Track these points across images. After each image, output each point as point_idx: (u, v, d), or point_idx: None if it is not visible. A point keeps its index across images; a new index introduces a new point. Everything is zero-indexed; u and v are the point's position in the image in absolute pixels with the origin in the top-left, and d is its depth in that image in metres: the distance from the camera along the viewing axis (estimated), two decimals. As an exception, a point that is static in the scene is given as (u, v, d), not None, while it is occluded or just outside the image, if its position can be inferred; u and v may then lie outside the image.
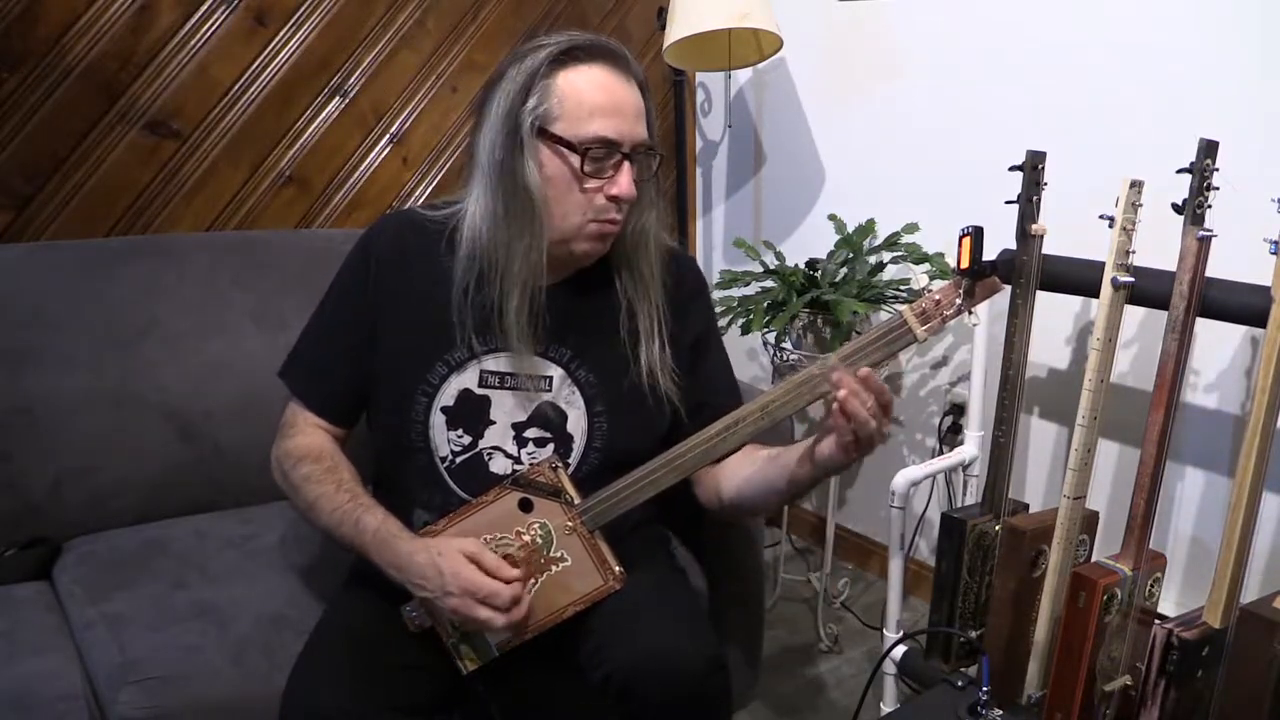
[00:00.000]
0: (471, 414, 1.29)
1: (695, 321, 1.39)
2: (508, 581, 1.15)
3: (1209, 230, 1.37)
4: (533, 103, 1.18)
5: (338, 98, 2.11)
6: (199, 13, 1.93)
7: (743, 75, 2.52)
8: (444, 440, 1.29)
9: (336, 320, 1.35)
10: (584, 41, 1.20)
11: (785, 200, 2.50)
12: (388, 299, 1.30)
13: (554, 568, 1.21)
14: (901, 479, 1.79)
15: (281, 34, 2.03)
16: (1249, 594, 1.43)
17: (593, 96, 1.18)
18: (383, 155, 2.19)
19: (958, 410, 2.14)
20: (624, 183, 1.20)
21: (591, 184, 1.20)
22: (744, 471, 1.30)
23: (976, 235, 1.14)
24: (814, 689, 2.02)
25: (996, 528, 1.65)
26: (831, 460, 1.15)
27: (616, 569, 1.20)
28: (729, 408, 1.20)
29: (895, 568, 1.83)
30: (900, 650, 1.78)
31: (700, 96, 2.65)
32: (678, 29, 2.11)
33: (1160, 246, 1.45)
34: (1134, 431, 1.66)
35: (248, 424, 1.65)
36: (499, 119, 1.20)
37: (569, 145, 1.19)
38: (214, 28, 1.95)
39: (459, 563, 1.14)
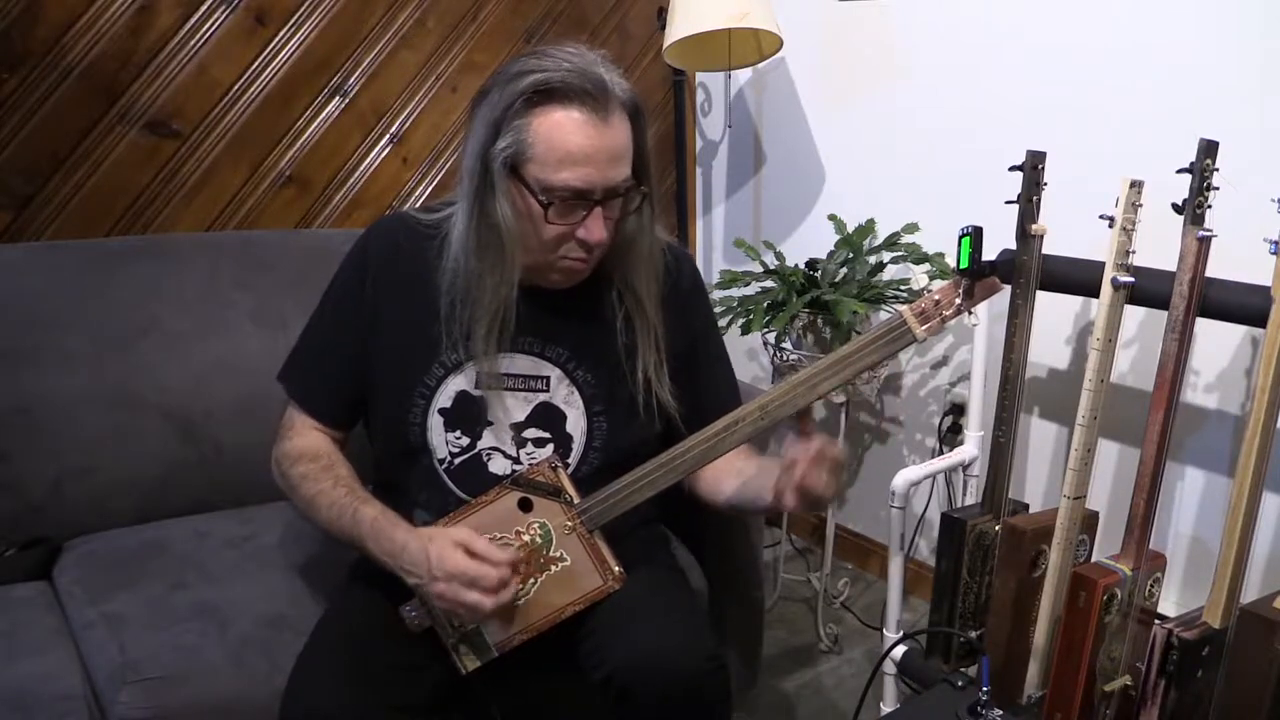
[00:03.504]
0: (469, 415, 1.29)
1: (693, 320, 1.39)
2: (497, 565, 1.15)
3: (1209, 230, 1.37)
4: (504, 143, 1.16)
5: (338, 98, 2.11)
6: (199, 13, 1.93)
7: (743, 75, 2.52)
8: (442, 442, 1.29)
9: (333, 324, 1.35)
10: (560, 81, 1.15)
11: (785, 200, 2.50)
12: (384, 301, 1.31)
13: (553, 567, 1.21)
14: (901, 479, 1.79)
15: (281, 34, 2.02)
16: (1249, 594, 1.43)
17: (564, 143, 1.15)
18: (383, 155, 2.19)
19: (958, 410, 2.14)
20: (593, 228, 1.19)
21: (560, 227, 1.19)
22: (745, 473, 1.31)
23: (976, 235, 1.14)
24: (814, 689, 2.01)
25: (996, 528, 1.65)
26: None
27: (616, 569, 1.20)
28: (728, 407, 1.20)
29: (895, 568, 1.83)
30: (900, 650, 1.78)
31: (700, 96, 2.65)
32: (678, 29, 2.11)
33: (1160, 246, 1.45)
34: (1134, 431, 1.66)
35: (248, 424, 1.65)
36: (475, 153, 1.19)
37: (535, 190, 1.17)
38: (214, 28, 1.95)
39: (447, 549, 1.14)
